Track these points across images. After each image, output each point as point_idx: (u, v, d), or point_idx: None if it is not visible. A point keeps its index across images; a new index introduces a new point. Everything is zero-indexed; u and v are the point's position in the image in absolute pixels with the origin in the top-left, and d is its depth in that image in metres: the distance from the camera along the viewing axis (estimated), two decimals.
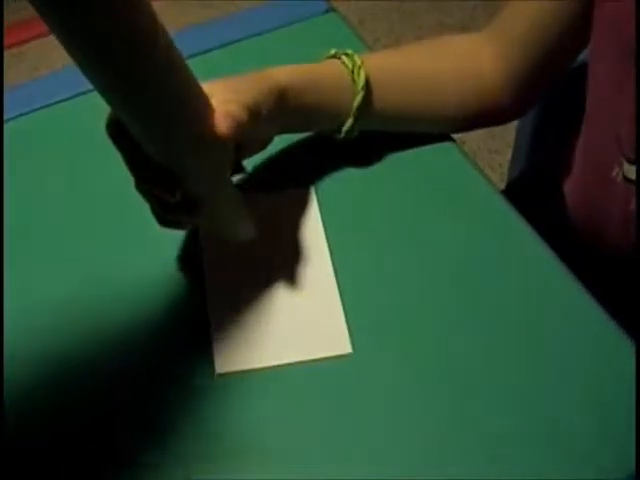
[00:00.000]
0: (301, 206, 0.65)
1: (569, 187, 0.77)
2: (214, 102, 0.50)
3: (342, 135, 0.65)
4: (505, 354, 0.56)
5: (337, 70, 0.63)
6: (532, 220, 0.65)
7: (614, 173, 0.64)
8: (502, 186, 0.99)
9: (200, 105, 0.48)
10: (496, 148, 1.64)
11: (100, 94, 0.44)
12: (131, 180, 0.52)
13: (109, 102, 0.45)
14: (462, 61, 0.69)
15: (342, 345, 0.56)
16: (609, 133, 0.64)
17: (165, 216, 0.54)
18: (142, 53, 0.41)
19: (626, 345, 0.56)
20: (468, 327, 0.58)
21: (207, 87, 0.50)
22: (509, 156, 1.07)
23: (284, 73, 0.59)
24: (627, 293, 0.67)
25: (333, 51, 0.65)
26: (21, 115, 0.74)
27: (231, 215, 0.58)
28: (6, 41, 2.01)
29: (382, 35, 1.99)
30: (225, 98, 0.51)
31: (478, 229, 0.64)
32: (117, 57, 0.40)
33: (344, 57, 0.64)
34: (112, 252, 0.63)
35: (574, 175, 0.75)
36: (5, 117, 0.74)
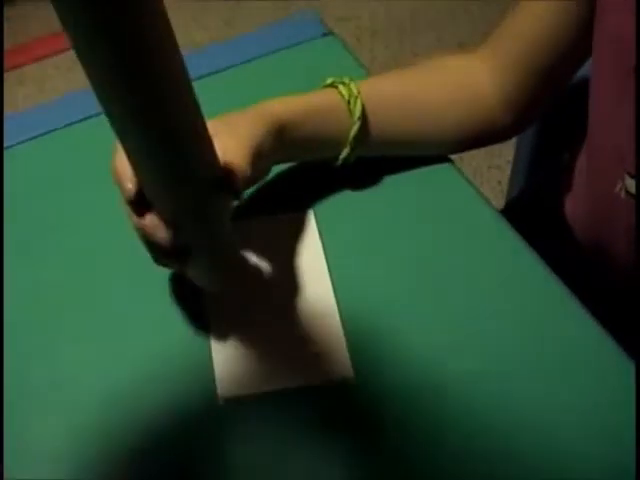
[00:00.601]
0: (300, 230, 0.65)
1: (570, 205, 0.77)
2: (217, 145, 0.50)
3: (339, 163, 0.65)
4: (505, 373, 0.56)
5: (334, 100, 0.63)
6: (532, 240, 0.65)
7: (617, 188, 0.64)
8: (502, 202, 0.99)
9: (206, 145, 0.48)
10: (495, 164, 1.64)
11: (110, 117, 0.43)
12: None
13: (119, 126, 0.43)
14: (458, 84, 0.69)
15: (344, 369, 0.56)
16: (611, 148, 0.64)
17: (158, 259, 0.53)
18: (163, 62, 0.40)
19: (626, 363, 0.56)
20: (468, 348, 0.58)
21: (209, 126, 0.48)
22: (508, 172, 1.07)
23: (282, 107, 0.60)
24: (631, 310, 0.67)
25: (330, 80, 0.65)
26: (21, 142, 0.75)
27: (219, 266, 0.56)
28: (6, 64, 2.02)
29: (379, 53, 2.00)
30: (229, 146, 0.51)
31: (477, 251, 0.64)
32: (138, 62, 0.39)
33: (341, 86, 0.64)
34: (111, 279, 0.63)
35: (575, 192, 0.75)
36: (6, 144, 0.74)
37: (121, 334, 0.60)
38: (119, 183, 0.50)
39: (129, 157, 0.46)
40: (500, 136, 0.72)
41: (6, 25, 2.07)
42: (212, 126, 0.49)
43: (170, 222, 0.49)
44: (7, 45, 2.05)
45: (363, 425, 0.54)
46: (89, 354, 0.59)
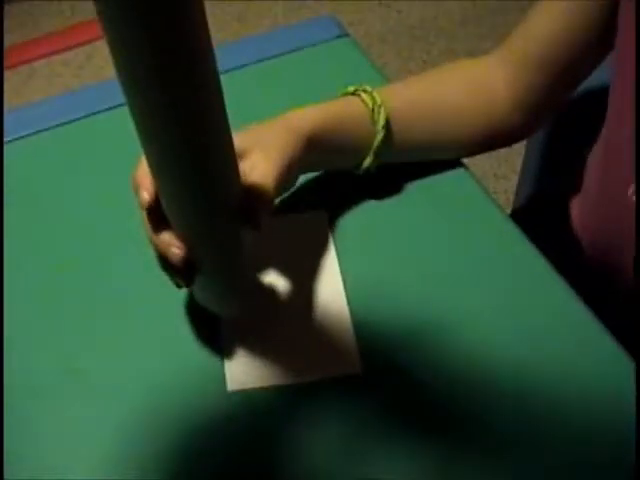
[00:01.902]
0: (312, 229, 0.66)
1: (578, 209, 0.77)
2: (247, 162, 0.50)
3: (361, 172, 0.65)
4: (509, 374, 0.57)
5: (358, 110, 0.63)
6: (539, 244, 0.65)
7: (630, 191, 0.64)
8: (508, 211, 0.99)
9: (231, 164, 0.47)
10: (502, 173, 1.64)
11: (137, 122, 0.42)
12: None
13: (145, 131, 0.43)
14: (474, 86, 0.69)
15: (352, 365, 0.57)
16: (628, 150, 0.63)
17: (166, 271, 0.54)
18: (201, 68, 0.40)
19: (627, 364, 0.57)
20: (477, 346, 0.58)
21: (238, 141, 0.48)
22: (514, 181, 1.07)
23: (309, 119, 0.59)
24: (636, 315, 0.67)
25: (352, 88, 0.65)
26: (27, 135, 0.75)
27: (233, 292, 0.57)
28: (17, 58, 2.03)
29: (390, 59, 2.01)
30: (260, 164, 0.52)
31: (488, 253, 0.64)
32: (176, 68, 0.39)
33: (364, 95, 0.63)
34: (122, 274, 0.64)
35: (586, 195, 0.75)
36: (16, 135, 0.75)
37: (132, 330, 0.61)
38: (136, 191, 0.50)
39: (151, 168, 0.46)
40: (512, 137, 0.72)
41: (15, 20, 2.08)
42: (241, 140, 0.48)
43: (185, 240, 0.49)
44: (17, 39, 2.05)
45: (369, 420, 0.55)
46: (96, 349, 0.60)
